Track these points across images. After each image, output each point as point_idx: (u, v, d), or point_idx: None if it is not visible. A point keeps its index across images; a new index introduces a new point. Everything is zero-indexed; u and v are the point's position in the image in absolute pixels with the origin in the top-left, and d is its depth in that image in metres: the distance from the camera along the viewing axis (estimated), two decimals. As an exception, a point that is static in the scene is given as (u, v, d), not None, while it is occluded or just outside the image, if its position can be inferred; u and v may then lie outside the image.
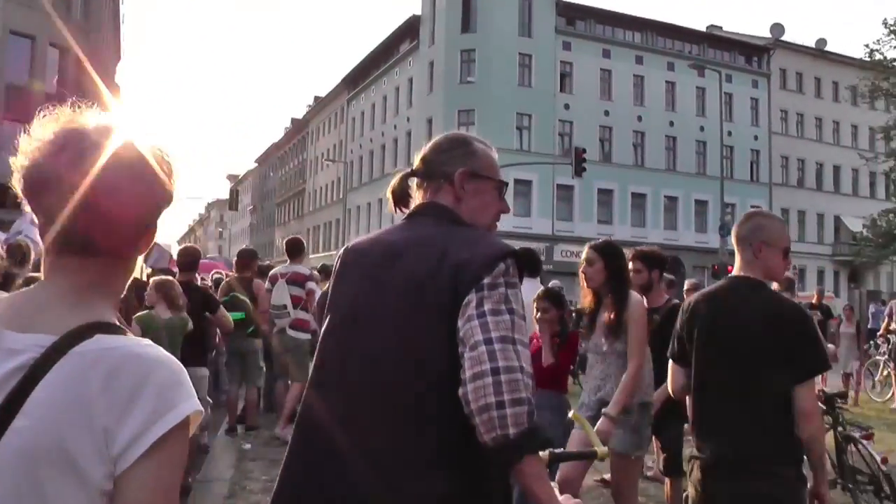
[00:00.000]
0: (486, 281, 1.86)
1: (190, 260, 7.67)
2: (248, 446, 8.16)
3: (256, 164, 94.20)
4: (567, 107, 42.86)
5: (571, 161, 26.27)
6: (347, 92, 59.42)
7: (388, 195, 2.28)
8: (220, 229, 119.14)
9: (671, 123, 45.86)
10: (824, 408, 6.38)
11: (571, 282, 31.61)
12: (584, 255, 4.66)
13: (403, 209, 2.24)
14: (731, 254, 3.52)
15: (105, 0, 44.05)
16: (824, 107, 51.76)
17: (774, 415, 3.00)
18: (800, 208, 50.13)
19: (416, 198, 2.22)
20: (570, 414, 4.18)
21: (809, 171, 51.58)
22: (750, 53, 49.68)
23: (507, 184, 2.20)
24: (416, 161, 2.25)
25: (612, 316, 4.49)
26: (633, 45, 45.57)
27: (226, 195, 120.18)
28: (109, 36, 51.81)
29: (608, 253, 4.59)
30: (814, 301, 13.82)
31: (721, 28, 50.22)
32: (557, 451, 2.60)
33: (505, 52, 41.65)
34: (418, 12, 47.18)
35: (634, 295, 4.63)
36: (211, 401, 7.91)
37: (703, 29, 49.05)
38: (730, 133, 45.42)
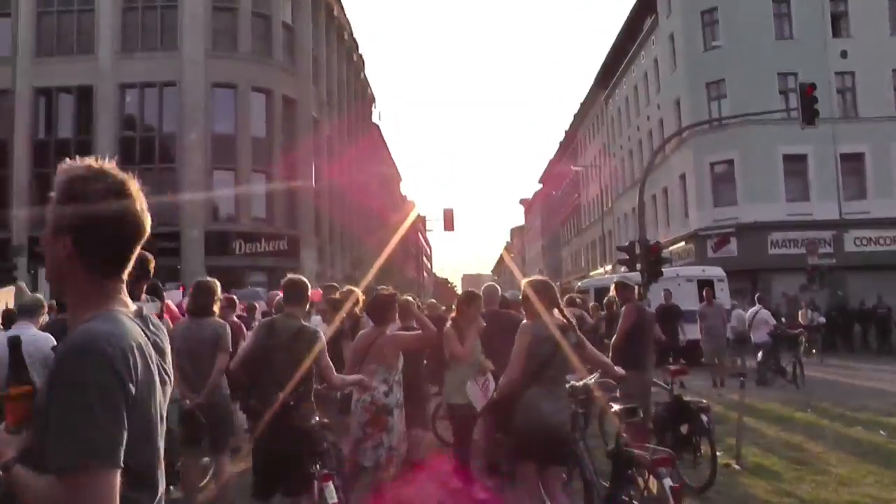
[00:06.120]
0: None
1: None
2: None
3: (541, 185, 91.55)
4: (844, 54, 33.78)
5: (798, 106, 19.27)
6: (603, 91, 54.39)
7: None
8: (520, 255, 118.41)
9: None
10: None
11: (871, 278, 23.36)
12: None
13: None
14: None
15: (332, 45, 43.77)
16: None
17: None
18: None
19: None
20: None
21: None
22: None
23: None
24: None
25: None
26: (930, -43, 34.56)
27: (522, 221, 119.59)
28: (353, 76, 51.95)
29: None
30: None
31: None
32: None
33: (755, 3, 34.16)
34: (652, -19, 41.24)
35: None
36: None
37: None
38: None
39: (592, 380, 6.62)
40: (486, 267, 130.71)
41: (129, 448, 1.64)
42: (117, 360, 1.64)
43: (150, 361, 1.78)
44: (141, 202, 1.89)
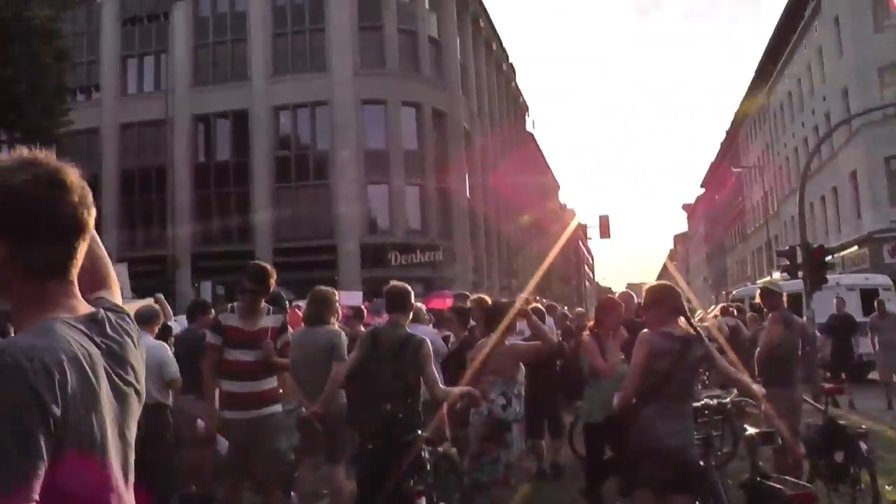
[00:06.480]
0: None
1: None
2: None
3: (703, 189, 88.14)
4: None
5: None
6: (764, 86, 51.64)
7: None
8: (684, 263, 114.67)
9: None
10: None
11: None
12: None
13: None
14: None
15: (481, 56, 43.89)
16: None
17: None
18: None
19: None
20: None
21: None
22: None
23: None
24: None
25: None
26: None
27: (685, 228, 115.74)
28: (504, 85, 51.90)
29: None
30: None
31: None
32: None
33: (932, -27, 31.14)
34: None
35: None
36: None
37: None
38: None
39: (728, 398, 5.96)
40: (649, 276, 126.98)
41: (59, 473, 1.41)
42: (37, 377, 1.40)
43: (91, 374, 1.53)
44: (80, 193, 1.63)
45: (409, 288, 5.96)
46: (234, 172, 33.60)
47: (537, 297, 15.26)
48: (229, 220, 33.19)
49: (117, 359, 1.67)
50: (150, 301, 11.58)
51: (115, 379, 1.64)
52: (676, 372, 4.58)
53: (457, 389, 5.89)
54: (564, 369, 9.09)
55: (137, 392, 1.73)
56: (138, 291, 13.83)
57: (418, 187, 33.46)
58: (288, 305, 9.71)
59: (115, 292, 1.95)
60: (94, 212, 1.69)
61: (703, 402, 5.60)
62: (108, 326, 1.69)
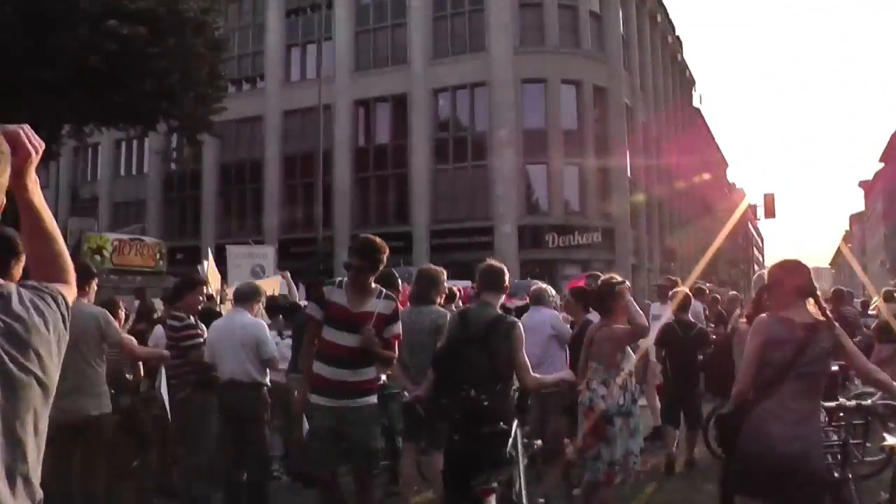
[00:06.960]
0: None
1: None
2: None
3: (882, 164, 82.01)
4: None
5: None
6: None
7: None
8: (860, 244, 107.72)
9: None
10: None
11: None
12: None
13: None
14: None
15: (644, 30, 42.35)
16: None
17: None
18: None
19: None
20: None
21: None
22: None
23: None
24: None
25: None
26: None
27: (861, 206, 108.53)
28: (670, 59, 49.98)
29: None
30: None
31: None
32: None
33: None
34: None
35: None
36: None
37: None
38: None
39: (870, 400, 5.12)
40: (823, 259, 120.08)
41: None
42: None
43: None
44: None
45: (504, 267, 5.61)
46: (392, 155, 34.09)
47: (700, 281, 14.49)
48: (387, 201, 33.89)
49: (17, 341, 1.48)
50: (277, 278, 11.81)
51: (9, 363, 1.45)
52: (796, 365, 3.77)
53: (549, 377, 5.69)
54: (713, 358, 8.44)
55: (40, 382, 1.51)
56: (292, 273, 13.85)
57: (577, 167, 32.68)
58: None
59: (70, 289, 1.73)
60: (7, 169, 1.52)
61: (837, 403, 4.84)
62: (14, 303, 1.51)
